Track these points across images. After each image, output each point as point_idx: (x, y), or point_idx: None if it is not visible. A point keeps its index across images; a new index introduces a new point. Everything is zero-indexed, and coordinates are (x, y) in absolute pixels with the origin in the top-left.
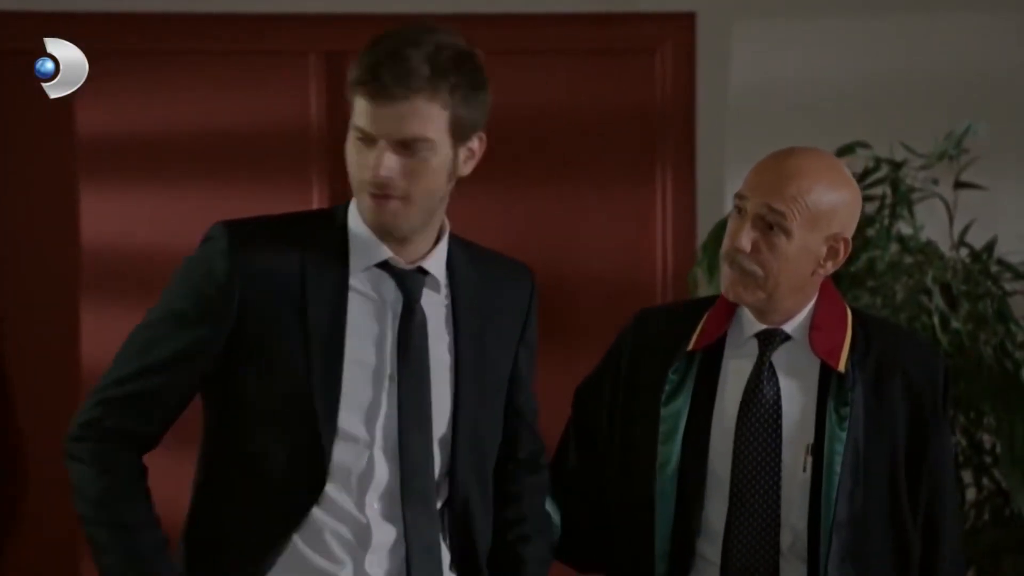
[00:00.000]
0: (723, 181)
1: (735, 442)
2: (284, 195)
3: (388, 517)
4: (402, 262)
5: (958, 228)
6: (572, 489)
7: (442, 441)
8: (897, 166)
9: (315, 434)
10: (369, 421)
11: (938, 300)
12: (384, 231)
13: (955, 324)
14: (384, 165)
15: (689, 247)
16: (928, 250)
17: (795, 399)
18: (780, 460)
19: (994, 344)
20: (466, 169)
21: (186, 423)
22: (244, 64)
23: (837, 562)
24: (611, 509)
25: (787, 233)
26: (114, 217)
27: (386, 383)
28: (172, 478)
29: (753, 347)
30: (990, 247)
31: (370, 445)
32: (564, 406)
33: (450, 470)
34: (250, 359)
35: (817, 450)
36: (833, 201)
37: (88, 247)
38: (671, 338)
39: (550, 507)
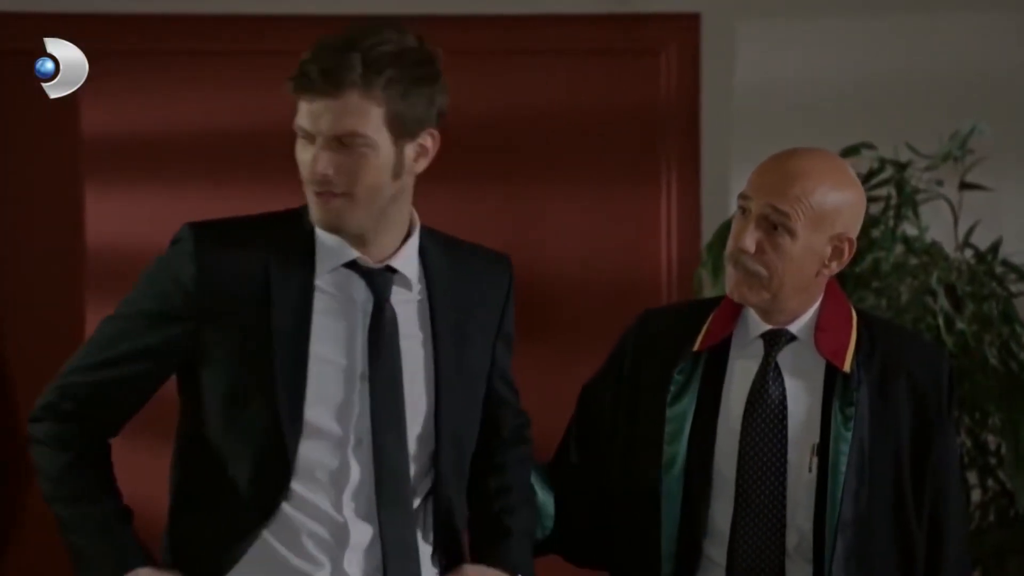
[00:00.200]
0: (728, 182)
1: (741, 442)
2: (284, 195)
3: (364, 516)
4: (370, 261)
5: (963, 229)
6: (572, 485)
7: (421, 439)
8: (902, 167)
9: (279, 431)
10: (342, 420)
11: (943, 301)
12: (332, 229)
13: (960, 325)
14: (320, 162)
15: (694, 248)
16: (933, 251)
17: (800, 399)
18: (785, 460)
19: (999, 345)
20: (418, 167)
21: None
22: (244, 64)
23: (842, 562)
24: (614, 508)
25: (791, 233)
26: (117, 217)
27: (358, 383)
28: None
29: (758, 348)
30: (995, 248)
31: (343, 444)
32: (567, 406)
33: (434, 468)
34: (215, 359)
35: (822, 450)
36: (837, 201)
37: (92, 247)
38: (676, 339)
39: (545, 498)
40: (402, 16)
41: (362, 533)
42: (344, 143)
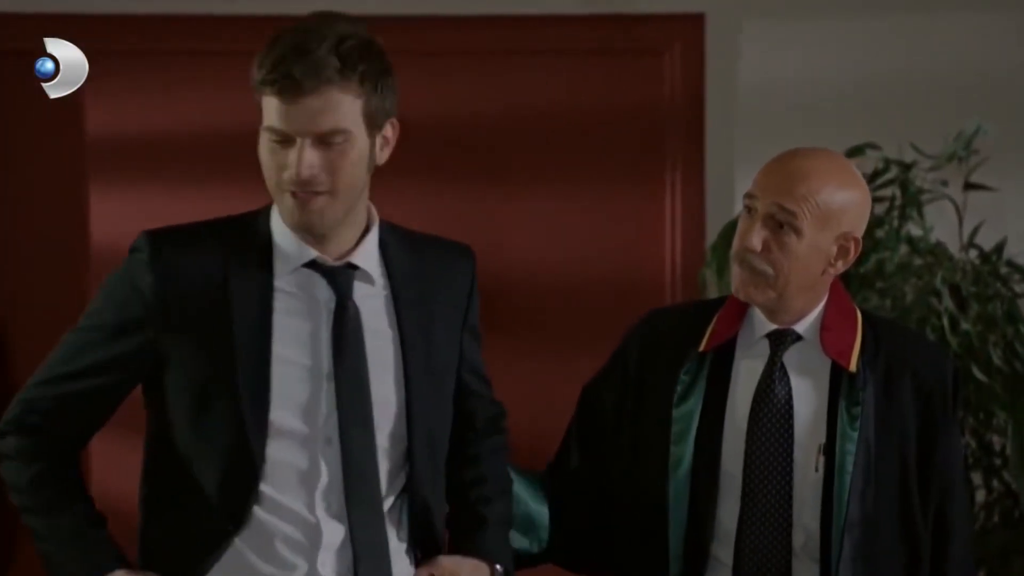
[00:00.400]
0: (732, 182)
1: (747, 442)
2: None
3: (336, 516)
4: (329, 259)
5: (967, 229)
6: (573, 489)
7: (392, 436)
8: (906, 167)
9: (244, 434)
10: (309, 420)
11: (947, 302)
12: (306, 229)
13: (964, 326)
14: (306, 163)
15: (697, 248)
16: (937, 251)
17: (807, 399)
18: (792, 460)
19: (1003, 346)
20: (382, 157)
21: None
22: (245, 64)
23: (849, 562)
24: (618, 509)
25: (798, 232)
26: (121, 216)
27: (324, 382)
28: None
29: (764, 347)
30: (999, 248)
31: (312, 444)
32: (570, 406)
33: (408, 464)
34: (178, 366)
35: (828, 450)
36: (843, 200)
37: (96, 246)
38: (681, 339)
39: (539, 509)
40: (404, 16)
41: (334, 533)
42: (325, 141)
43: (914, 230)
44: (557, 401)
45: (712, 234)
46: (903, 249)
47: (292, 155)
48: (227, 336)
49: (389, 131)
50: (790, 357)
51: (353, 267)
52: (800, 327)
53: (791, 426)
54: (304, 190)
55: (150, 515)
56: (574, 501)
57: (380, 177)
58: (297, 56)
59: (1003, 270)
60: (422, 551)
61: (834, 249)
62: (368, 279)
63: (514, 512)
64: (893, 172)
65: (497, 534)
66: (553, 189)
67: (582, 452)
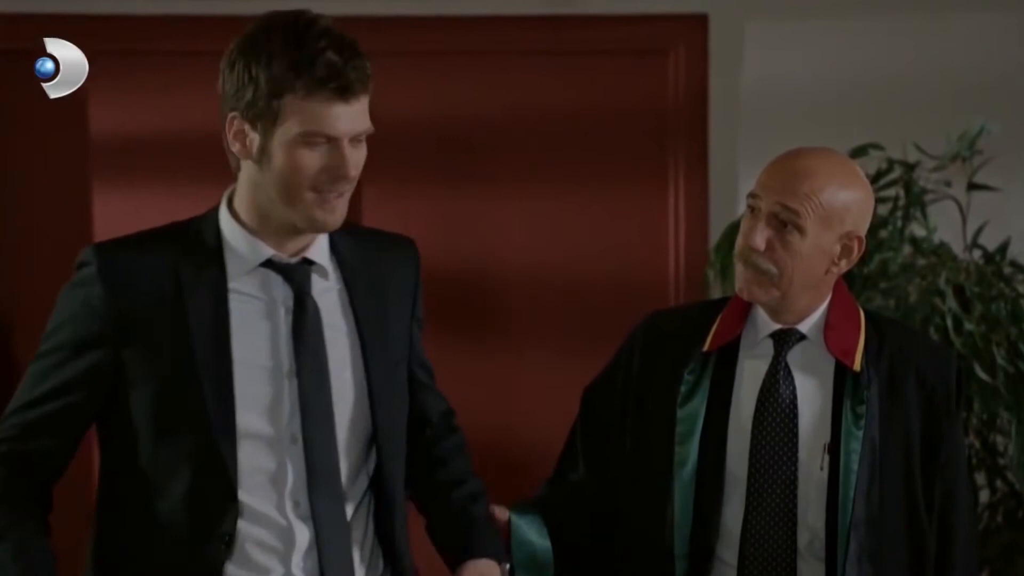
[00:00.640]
0: (736, 182)
1: (752, 442)
2: None
3: (302, 516)
4: (285, 257)
5: (971, 230)
6: (578, 501)
7: (352, 430)
8: (910, 168)
9: (213, 442)
10: (274, 420)
11: (951, 302)
12: (320, 229)
13: (968, 326)
14: (353, 162)
15: (702, 248)
16: (941, 252)
17: (811, 398)
18: (797, 460)
19: (1007, 346)
20: None
21: None
22: None
23: (855, 561)
24: (622, 511)
25: (801, 231)
26: (125, 217)
27: (286, 381)
28: None
29: (768, 347)
30: (1003, 249)
31: (278, 445)
32: (573, 406)
33: (376, 455)
34: (138, 378)
35: (833, 449)
36: (846, 199)
37: None
38: (685, 339)
39: (542, 543)
40: (405, 17)
41: (304, 534)
42: (358, 140)
43: (918, 230)
44: (560, 401)
45: (716, 234)
46: (907, 249)
47: (334, 156)
48: (186, 343)
49: None
50: (794, 356)
51: (309, 263)
52: (804, 326)
53: (796, 425)
54: (340, 190)
55: (108, 542)
56: (578, 515)
57: (381, 177)
58: (348, 58)
59: (1007, 270)
60: (386, 545)
61: (837, 248)
62: (323, 273)
63: (522, 555)
64: (897, 172)
65: (492, 533)
66: (557, 189)
67: (586, 453)
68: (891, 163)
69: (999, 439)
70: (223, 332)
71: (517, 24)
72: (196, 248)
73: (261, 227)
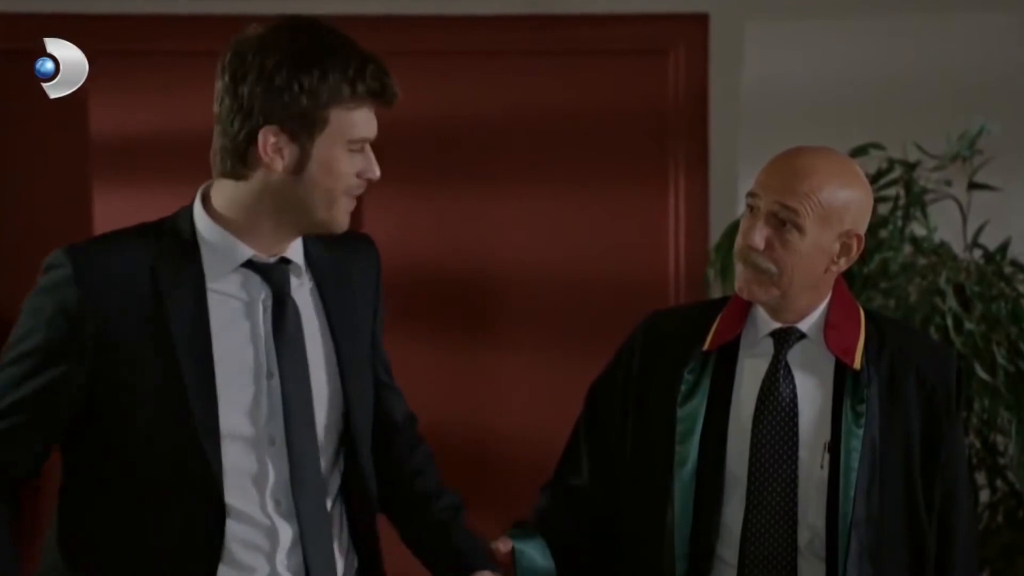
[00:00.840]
0: (736, 182)
1: (752, 441)
2: None
3: (285, 515)
4: (264, 256)
5: (971, 229)
6: (579, 509)
7: (328, 428)
8: (910, 167)
9: (198, 444)
10: (254, 421)
11: (951, 301)
12: (340, 230)
13: (968, 325)
14: (376, 164)
15: (702, 248)
16: (941, 251)
17: (811, 397)
18: (797, 458)
19: (1007, 345)
20: None
21: None
22: None
23: (856, 560)
24: (623, 510)
25: (800, 230)
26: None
27: (265, 381)
28: None
29: (768, 346)
30: (1003, 248)
31: (258, 445)
32: (575, 407)
33: (352, 450)
34: (119, 383)
35: (833, 448)
36: (845, 198)
37: None
38: (685, 339)
39: (546, 564)
40: (406, 17)
41: (287, 533)
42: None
43: (918, 230)
44: (562, 401)
45: (716, 234)
46: (907, 249)
47: (366, 160)
48: (168, 345)
49: None
50: (794, 355)
51: (286, 261)
52: (804, 325)
53: (796, 424)
54: (361, 192)
55: (82, 546)
56: (580, 511)
57: (382, 177)
58: (383, 68)
59: (1007, 270)
60: (359, 541)
61: (837, 247)
62: (298, 272)
63: None
64: (897, 172)
65: (481, 544)
66: (557, 189)
67: (591, 452)
68: (891, 163)
69: (999, 439)
70: (204, 333)
71: (517, 24)
72: (172, 248)
73: (247, 228)
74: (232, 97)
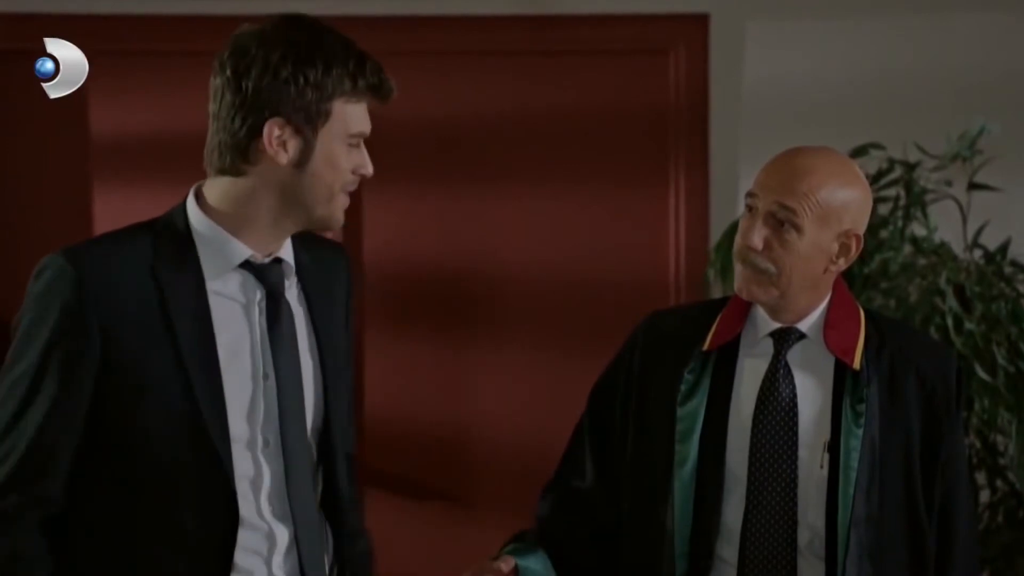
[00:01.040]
0: (736, 182)
1: (751, 441)
2: None
3: (280, 517)
4: (260, 256)
5: (972, 229)
6: (581, 515)
7: (315, 431)
8: (911, 167)
9: (214, 452)
10: (251, 423)
11: (952, 302)
12: (336, 228)
13: (969, 326)
14: (370, 163)
15: (702, 248)
16: (942, 251)
17: (811, 397)
18: (797, 458)
19: (1007, 345)
20: None
21: None
22: None
23: (856, 560)
24: (623, 509)
25: (799, 230)
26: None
27: (262, 382)
28: None
29: (768, 346)
30: (1004, 248)
31: (254, 447)
32: (576, 407)
33: (328, 454)
34: (127, 388)
35: (833, 447)
36: (844, 198)
37: None
38: (685, 339)
39: (543, 570)
40: (407, 17)
41: (283, 534)
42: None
43: (918, 230)
44: (562, 401)
45: (716, 234)
46: (907, 249)
47: (361, 156)
48: (174, 347)
49: None
50: (794, 355)
51: (279, 261)
52: (803, 325)
53: (795, 424)
54: (354, 188)
55: (88, 553)
56: (581, 517)
57: (381, 177)
58: (379, 65)
59: (1007, 270)
60: (338, 540)
61: (835, 247)
62: (289, 272)
63: None
64: (897, 172)
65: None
66: (557, 189)
67: (594, 452)
68: (892, 163)
69: (999, 439)
70: (208, 335)
71: (517, 24)
72: (170, 248)
73: (243, 225)
74: (234, 92)
